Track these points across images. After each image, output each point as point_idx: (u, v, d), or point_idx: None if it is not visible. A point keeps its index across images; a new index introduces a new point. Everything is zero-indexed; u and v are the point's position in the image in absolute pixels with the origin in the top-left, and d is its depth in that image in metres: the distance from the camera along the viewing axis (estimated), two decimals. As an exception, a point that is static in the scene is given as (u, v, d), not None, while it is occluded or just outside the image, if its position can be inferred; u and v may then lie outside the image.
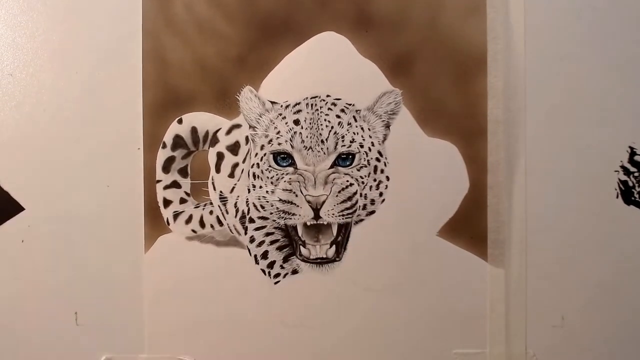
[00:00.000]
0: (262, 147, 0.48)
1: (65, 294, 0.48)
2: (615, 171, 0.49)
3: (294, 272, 0.49)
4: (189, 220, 0.49)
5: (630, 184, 0.49)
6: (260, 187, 0.48)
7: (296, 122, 0.48)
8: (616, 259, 0.49)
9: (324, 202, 0.47)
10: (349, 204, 0.48)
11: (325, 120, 0.48)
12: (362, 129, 0.48)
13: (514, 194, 0.48)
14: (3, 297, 0.48)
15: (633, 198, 0.49)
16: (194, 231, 0.49)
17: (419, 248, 0.48)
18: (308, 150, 0.47)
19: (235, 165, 0.49)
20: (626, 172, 0.49)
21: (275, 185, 0.48)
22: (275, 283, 0.49)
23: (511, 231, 0.48)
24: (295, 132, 0.48)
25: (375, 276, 0.49)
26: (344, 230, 0.48)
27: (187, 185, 0.49)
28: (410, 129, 0.48)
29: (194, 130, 0.48)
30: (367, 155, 0.48)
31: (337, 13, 0.48)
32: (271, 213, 0.48)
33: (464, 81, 0.49)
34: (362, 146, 0.48)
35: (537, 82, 0.49)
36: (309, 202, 0.47)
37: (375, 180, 0.48)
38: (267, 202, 0.48)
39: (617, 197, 0.49)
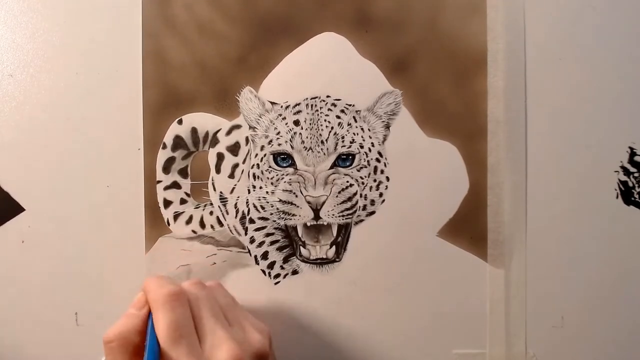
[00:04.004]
0: (262, 148, 0.48)
1: (65, 294, 0.48)
2: (615, 171, 0.49)
3: (294, 272, 0.49)
4: (189, 220, 0.49)
5: (630, 184, 0.49)
6: (261, 187, 0.48)
7: (296, 122, 0.48)
8: (616, 259, 0.49)
9: (324, 202, 0.47)
10: (349, 204, 0.48)
11: (325, 120, 0.48)
12: (362, 129, 0.48)
13: (514, 195, 0.48)
14: (3, 298, 0.48)
15: (633, 198, 0.49)
16: (194, 232, 0.49)
17: (418, 248, 0.49)
18: (308, 150, 0.47)
19: (236, 165, 0.49)
20: (626, 172, 0.49)
21: (276, 186, 0.48)
22: (276, 284, 0.49)
23: (511, 232, 0.48)
24: (295, 133, 0.48)
25: (375, 276, 0.49)
26: (344, 230, 0.48)
27: (188, 186, 0.49)
28: (410, 129, 0.49)
29: (194, 131, 0.49)
30: (367, 156, 0.48)
31: (337, 13, 0.48)
32: (271, 214, 0.48)
33: (464, 81, 0.49)
34: (362, 147, 0.48)
35: (538, 82, 0.49)
36: (309, 202, 0.47)
37: (375, 180, 0.48)
38: (267, 202, 0.48)
39: (617, 197, 0.49)
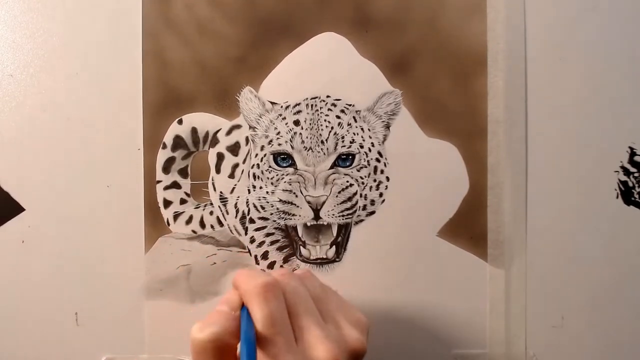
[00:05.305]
0: (262, 148, 0.48)
1: (65, 294, 0.48)
2: (615, 171, 0.49)
3: (294, 272, 0.49)
4: (189, 220, 0.49)
5: (630, 184, 0.49)
6: (261, 187, 0.48)
7: (296, 122, 0.48)
8: (616, 259, 0.49)
9: (324, 202, 0.47)
10: (349, 204, 0.48)
11: (325, 120, 0.48)
12: (362, 129, 0.48)
13: (514, 195, 0.48)
14: (3, 298, 0.48)
15: (633, 198, 0.49)
16: (194, 232, 0.49)
17: (418, 248, 0.48)
18: (308, 150, 0.47)
19: (236, 165, 0.49)
20: (626, 172, 0.49)
21: (276, 186, 0.48)
22: (276, 283, 0.49)
23: (511, 232, 0.48)
24: (295, 133, 0.48)
25: (375, 276, 0.49)
26: (344, 230, 0.48)
27: (188, 186, 0.49)
28: (410, 129, 0.48)
29: (194, 131, 0.49)
30: (367, 156, 0.48)
31: (337, 14, 0.48)
32: (271, 214, 0.48)
33: (464, 81, 0.49)
34: (362, 147, 0.48)
35: (538, 82, 0.49)
36: (309, 202, 0.47)
37: (375, 180, 0.48)
38: (267, 202, 0.48)
39: (617, 197, 0.49)
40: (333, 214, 0.47)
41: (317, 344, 0.33)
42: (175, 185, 0.49)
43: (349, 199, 0.48)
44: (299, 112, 0.48)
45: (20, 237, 0.48)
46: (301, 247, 0.48)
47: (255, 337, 0.33)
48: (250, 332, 0.33)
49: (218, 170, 0.49)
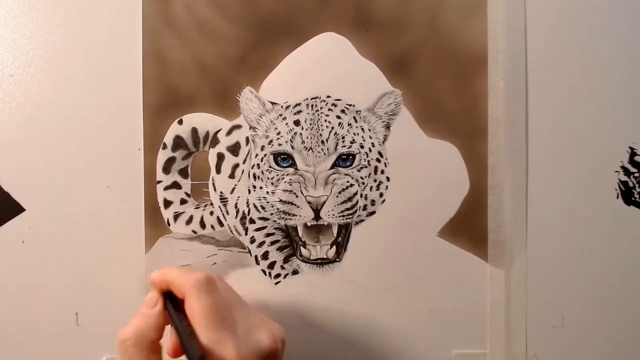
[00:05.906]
0: (262, 148, 0.48)
1: (65, 294, 0.48)
2: (616, 172, 0.49)
3: (295, 272, 0.49)
4: (189, 220, 0.49)
5: (631, 184, 0.49)
6: (261, 187, 0.48)
7: (296, 122, 0.48)
8: (616, 259, 0.49)
9: (324, 202, 0.47)
10: (349, 204, 0.48)
11: (325, 121, 0.48)
12: (362, 129, 0.48)
13: (515, 195, 0.48)
14: (3, 298, 0.48)
15: (633, 198, 0.49)
16: (194, 232, 0.49)
17: (419, 249, 0.49)
18: (308, 151, 0.47)
19: (236, 166, 0.49)
20: (626, 172, 0.49)
21: (276, 186, 0.48)
22: (276, 283, 0.49)
23: (511, 232, 0.48)
24: (295, 133, 0.48)
25: (375, 276, 0.49)
26: (345, 230, 0.48)
27: (188, 186, 0.49)
28: (410, 129, 0.49)
29: (194, 131, 0.49)
30: (367, 156, 0.48)
31: (337, 14, 0.48)
32: (271, 214, 0.48)
33: (464, 81, 0.49)
34: (362, 147, 0.48)
35: (538, 82, 0.49)
36: (309, 202, 0.47)
37: (375, 180, 0.48)
38: (268, 202, 0.48)
39: (618, 197, 0.49)
40: (333, 214, 0.47)
41: (259, 327, 0.37)
42: (175, 185, 0.49)
43: (350, 199, 0.48)
44: (299, 112, 0.48)
45: (21, 237, 0.48)
46: (301, 247, 0.48)
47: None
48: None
49: (218, 171, 0.49)
